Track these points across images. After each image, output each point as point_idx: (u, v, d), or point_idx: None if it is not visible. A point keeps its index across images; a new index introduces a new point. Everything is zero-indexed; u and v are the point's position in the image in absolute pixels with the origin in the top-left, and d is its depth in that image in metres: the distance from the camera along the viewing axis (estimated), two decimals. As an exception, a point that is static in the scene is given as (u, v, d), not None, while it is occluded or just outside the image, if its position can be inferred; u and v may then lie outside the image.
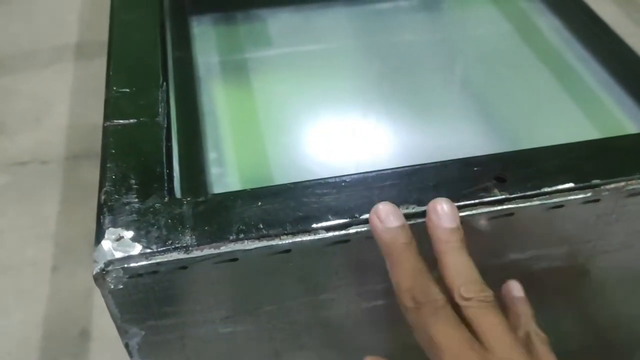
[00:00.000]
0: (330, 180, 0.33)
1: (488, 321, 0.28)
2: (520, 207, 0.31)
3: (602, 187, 0.32)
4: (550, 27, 0.83)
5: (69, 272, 0.74)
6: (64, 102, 0.98)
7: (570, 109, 0.70)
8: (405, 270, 0.29)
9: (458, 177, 0.32)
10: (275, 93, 0.77)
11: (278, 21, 0.88)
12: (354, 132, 0.70)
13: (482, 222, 0.32)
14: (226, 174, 0.52)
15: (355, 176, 0.33)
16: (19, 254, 0.77)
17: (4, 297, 0.71)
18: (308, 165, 0.53)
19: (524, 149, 0.35)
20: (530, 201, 0.31)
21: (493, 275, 0.30)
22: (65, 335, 0.67)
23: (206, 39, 0.84)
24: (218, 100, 0.78)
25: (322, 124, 0.70)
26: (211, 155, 0.71)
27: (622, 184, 0.31)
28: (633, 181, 0.31)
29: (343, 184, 0.32)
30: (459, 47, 0.84)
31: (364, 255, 0.32)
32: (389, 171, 0.33)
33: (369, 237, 0.31)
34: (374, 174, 0.33)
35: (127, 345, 0.32)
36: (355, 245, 0.31)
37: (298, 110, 0.75)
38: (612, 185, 0.32)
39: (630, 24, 0.99)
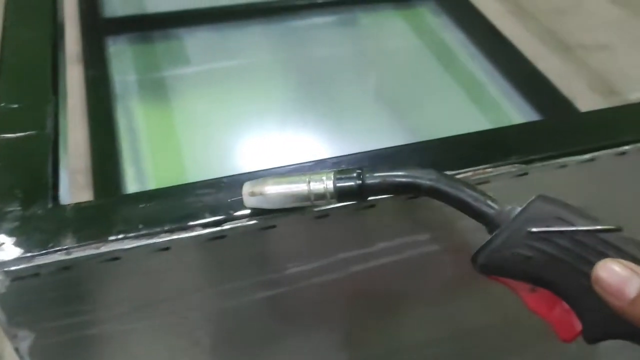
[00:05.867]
0: (209, 182, 0.35)
1: None
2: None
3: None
4: (454, 39, 0.90)
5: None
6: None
7: (470, 109, 0.77)
8: None
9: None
10: (193, 109, 0.79)
11: (195, 39, 0.90)
12: (272, 144, 0.73)
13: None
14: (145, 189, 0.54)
15: (234, 177, 0.35)
16: None
17: None
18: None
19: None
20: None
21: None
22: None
23: (123, 58, 0.85)
24: (135, 117, 0.79)
25: (240, 138, 0.73)
26: (129, 171, 0.72)
27: (470, 174, 0.35)
28: (479, 171, 0.35)
29: (222, 184, 0.35)
30: (372, 59, 0.89)
31: (241, 250, 0.34)
32: (264, 172, 0.35)
33: (245, 233, 0.33)
34: (248, 175, 0.35)
35: (17, 350, 0.33)
36: (232, 241, 0.33)
37: (216, 125, 0.77)
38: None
39: (528, 35, 1.07)
